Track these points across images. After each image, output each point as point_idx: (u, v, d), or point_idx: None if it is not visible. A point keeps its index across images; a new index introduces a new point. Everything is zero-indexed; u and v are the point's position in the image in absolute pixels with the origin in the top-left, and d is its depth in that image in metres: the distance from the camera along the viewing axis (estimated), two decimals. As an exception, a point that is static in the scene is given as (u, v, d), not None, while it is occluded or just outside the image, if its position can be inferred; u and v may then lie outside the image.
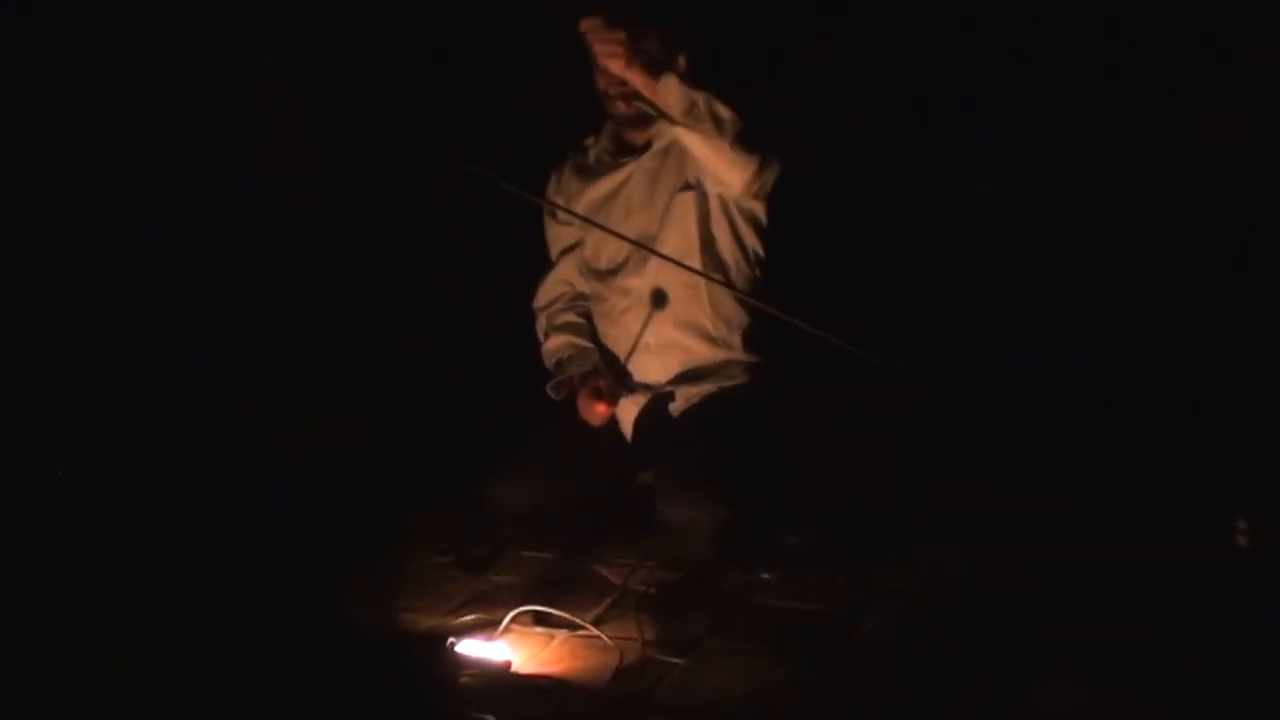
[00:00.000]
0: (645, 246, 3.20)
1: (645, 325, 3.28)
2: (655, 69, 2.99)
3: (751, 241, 3.29)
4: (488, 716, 2.50)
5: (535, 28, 2.96)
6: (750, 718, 2.51)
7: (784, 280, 3.31)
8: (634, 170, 3.31)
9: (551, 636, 2.79)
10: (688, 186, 3.25)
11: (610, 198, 3.32)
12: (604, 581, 3.04)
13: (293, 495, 3.39)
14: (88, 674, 2.59)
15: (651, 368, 3.33)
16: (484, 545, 3.19)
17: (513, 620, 2.80)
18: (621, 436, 3.37)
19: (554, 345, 3.43)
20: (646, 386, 3.34)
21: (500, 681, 2.64)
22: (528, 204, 3.24)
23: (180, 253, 4.15)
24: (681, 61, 3.13)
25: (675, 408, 3.30)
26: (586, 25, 2.90)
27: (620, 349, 3.36)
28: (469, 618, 2.87)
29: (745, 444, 3.20)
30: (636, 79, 2.99)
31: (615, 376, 3.34)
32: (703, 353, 3.30)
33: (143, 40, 4.07)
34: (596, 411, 3.28)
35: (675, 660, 2.69)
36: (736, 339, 3.31)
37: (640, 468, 3.32)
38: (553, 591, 2.94)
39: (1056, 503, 3.15)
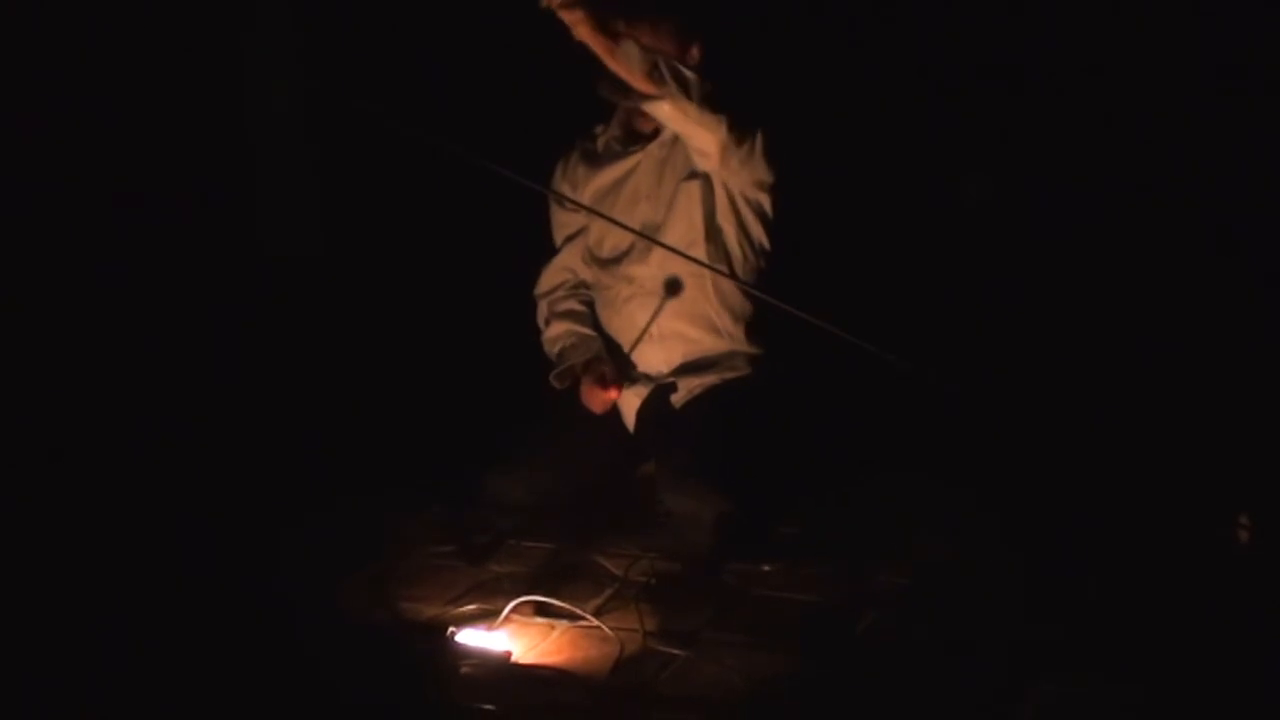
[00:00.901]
0: (648, 237, 3.21)
1: (655, 314, 3.28)
2: (620, 39, 2.99)
3: (757, 233, 3.29)
4: (488, 706, 2.51)
5: (538, 14, 2.95)
6: (750, 709, 2.52)
7: (785, 273, 3.31)
8: (642, 158, 3.32)
9: (552, 627, 2.79)
10: (695, 176, 3.25)
11: (617, 185, 3.33)
12: (604, 572, 3.03)
13: (292, 485, 3.38)
14: (86, 671, 2.59)
15: (654, 357, 3.33)
16: (485, 535, 3.19)
17: (513, 611, 2.80)
18: (623, 427, 3.37)
19: (555, 333, 3.43)
20: (649, 377, 3.34)
21: (500, 672, 2.64)
22: (532, 191, 3.23)
23: (176, 243, 4.14)
24: (695, 53, 3.14)
25: (677, 399, 3.31)
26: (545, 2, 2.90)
27: (623, 338, 3.36)
28: (469, 608, 2.87)
29: (747, 436, 3.20)
30: (599, 47, 2.99)
31: (617, 366, 3.34)
32: (707, 343, 3.30)
33: (134, 29, 4.06)
34: (603, 398, 3.28)
35: (675, 651, 2.69)
36: (740, 330, 3.31)
37: (641, 459, 3.33)
38: (553, 582, 2.94)
39: (1054, 499, 3.16)
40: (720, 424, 3.19)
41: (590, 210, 3.29)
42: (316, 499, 3.31)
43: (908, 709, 2.49)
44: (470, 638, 2.72)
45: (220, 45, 4.22)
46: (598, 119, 3.42)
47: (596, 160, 3.38)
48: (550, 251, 3.50)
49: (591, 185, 3.35)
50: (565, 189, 3.38)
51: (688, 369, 3.31)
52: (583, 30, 2.93)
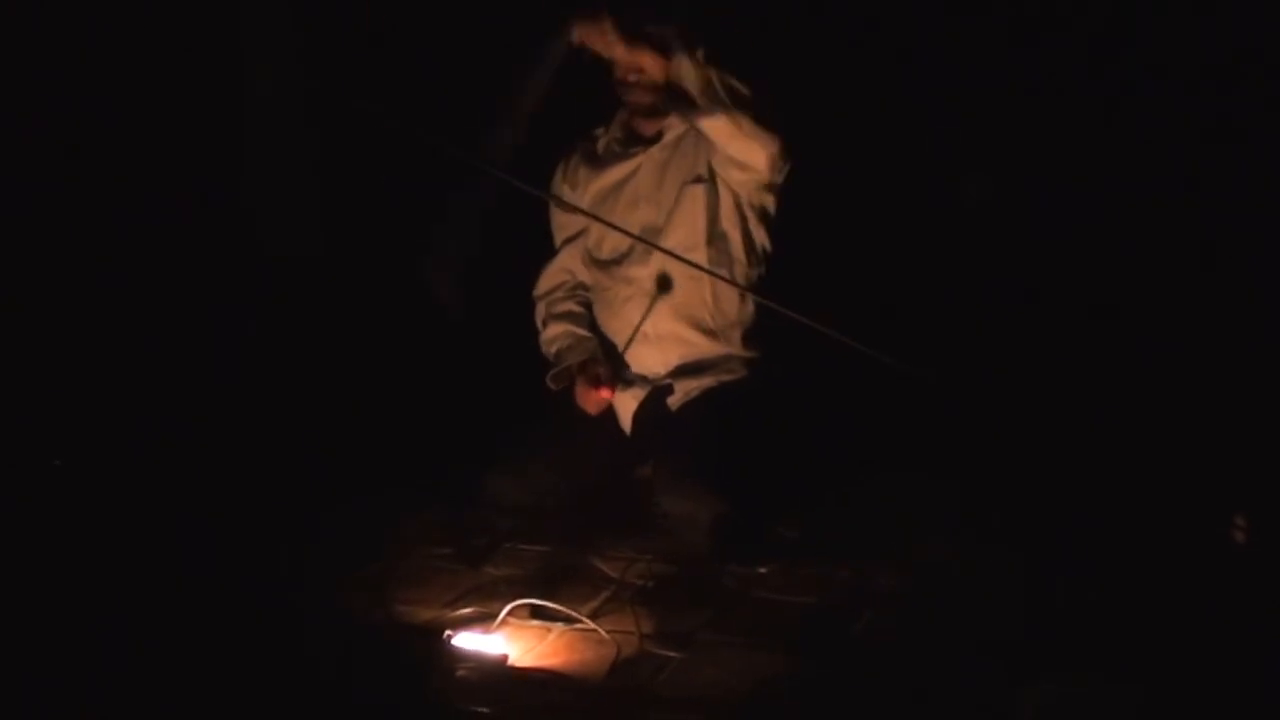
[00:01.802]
0: (646, 241, 3.20)
1: (646, 312, 3.28)
2: (665, 50, 2.99)
3: (760, 237, 3.29)
4: (484, 709, 2.51)
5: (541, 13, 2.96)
6: (747, 711, 2.51)
7: (786, 274, 3.31)
8: (643, 161, 3.32)
9: (548, 630, 2.79)
10: (699, 179, 3.25)
11: (617, 187, 3.33)
12: (601, 575, 3.03)
13: (289, 488, 3.38)
14: (86, 671, 2.59)
15: (650, 359, 3.33)
16: (483, 538, 3.19)
17: (509, 613, 2.80)
18: (620, 430, 3.37)
19: (552, 334, 3.43)
20: (646, 379, 3.34)
21: (497, 674, 2.64)
22: (529, 193, 3.23)
23: (176, 243, 4.14)
24: (701, 54, 3.13)
25: (673, 401, 3.30)
26: (579, 34, 2.91)
27: (620, 339, 3.36)
28: (466, 611, 2.87)
29: (743, 438, 3.20)
30: (647, 60, 2.99)
31: (614, 368, 3.34)
32: (704, 346, 3.30)
33: (134, 29, 4.06)
34: (596, 398, 3.29)
35: (672, 653, 2.69)
36: (736, 334, 3.31)
37: (638, 461, 3.33)
38: (550, 585, 2.94)
39: (1054, 499, 3.15)
40: (717, 426, 3.19)
41: (587, 214, 3.28)
42: (316, 499, 3.32)
43: (908, 709, 2.49)
44: (467, 640, 2.72)
45: (220, 45, 4.21)
46: (597, 119, 3.42)
47: (597, 162, 3.38)
48: (550, 252, 3.50)
49: (592, 187, 3.35)
50: (565, 190, 3.38)
51: (685, 371, 3.31)
52: (621, 49, 2.94)
